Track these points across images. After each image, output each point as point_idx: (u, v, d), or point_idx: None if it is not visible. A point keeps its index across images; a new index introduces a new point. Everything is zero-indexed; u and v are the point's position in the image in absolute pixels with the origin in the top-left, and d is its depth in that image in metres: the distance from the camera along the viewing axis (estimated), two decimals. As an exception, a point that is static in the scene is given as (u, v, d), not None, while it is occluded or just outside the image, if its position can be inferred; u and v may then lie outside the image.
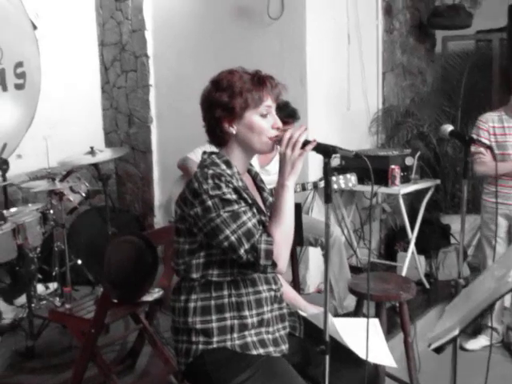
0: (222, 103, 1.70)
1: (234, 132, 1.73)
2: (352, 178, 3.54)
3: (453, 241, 4.59)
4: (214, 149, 1.85)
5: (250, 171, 1.93)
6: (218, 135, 1.76)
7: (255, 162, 3.58)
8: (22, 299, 3.63)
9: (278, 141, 1.73)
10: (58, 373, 3.09)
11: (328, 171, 1.67)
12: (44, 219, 3.55)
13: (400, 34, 5.04)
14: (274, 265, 1.63)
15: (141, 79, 5.28)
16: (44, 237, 3.62)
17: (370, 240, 4.12)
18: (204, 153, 1.81)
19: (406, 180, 4.10)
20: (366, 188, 4.08)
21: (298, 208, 3.14)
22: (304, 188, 3.49)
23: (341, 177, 3.55)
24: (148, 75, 5.21)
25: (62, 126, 5.03)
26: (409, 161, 4.12)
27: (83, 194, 3.81)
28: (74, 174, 3.98)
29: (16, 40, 4.62)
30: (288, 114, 3.43)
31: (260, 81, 1.75)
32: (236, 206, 1.63)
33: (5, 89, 4.56)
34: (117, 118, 5.58)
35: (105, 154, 3.69)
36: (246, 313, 1.72)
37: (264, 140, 1.74)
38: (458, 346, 2.02)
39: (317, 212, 4.23)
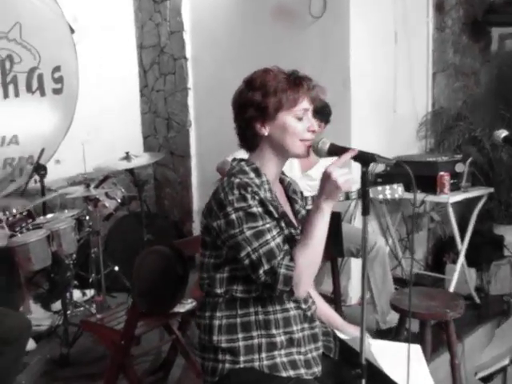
0: (255, 103, 1.68)
1: (266, 133, 1.70)
2: (399, 189, 3.45)
3: (506, 253, 4.44)
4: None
5: (282, 181, 1.88)
6: (249, 137, 1.73)
7: (297, 166, 3.54)
8: (59, 306, 3.68)
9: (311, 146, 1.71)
10: (91, 382, 3.12)
11: (366, 181, 1.62)
12: (80, 225, 3.60)
13: (452, 32, 4.90)
14: (292, 292, 1.59)
15: (179, 82, 5.32)
16: (80, 243, 3.67)
17: (412, 253, 4.04)
18: (234, 160, 1.79)
19: (455, 188, 4.00)
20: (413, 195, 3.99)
21: (338, 217, 3.09)
22: (348, 197, 3.43)
23: (387, 187, 3.47)
24: (186, 78, 5.25)
25: (100, 131, 5.12)
26: (459, 167, 4.00)
27: (119, 200, 3.85)
28: (111, 180, 4.02)
29: (54, 44, 4.72)
30: (323, 116, 3.40)
31: (296, 81, 1.72)
32: (260, 222, 1.60)
33: (43, 94, 4.67)
34: (155, 122, 5.63)
35: (140, 160, 3.71)
36: (274, 331, 1.67)
37: (297, 143, 1.71)
38: (507, 377, 1.91)
39: (359, 221, 4.15)
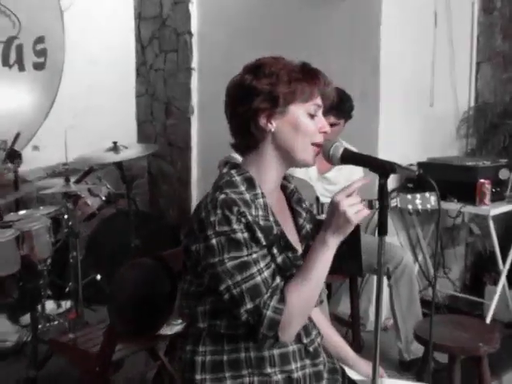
0: (264, 91, 1.64)
1: (273, 129, 1.67)
2: (431, 199, 3.42)
3: (557, 276, 4.41)
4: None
5: (284, 188, 1.86)
6: (249, 133, 1.69)
7: (313, 169, 3.53)
8: (29, 319, 3.68)
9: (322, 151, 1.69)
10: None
11: (384, 195, 1.59)
12: (56, 226, 3.59)
13: (501, 15, 4.84)
14: (276, 337, 1.56)
15: (182, 61, 5.32)
16: (56, 247, 3.66)
17: (435, 275, 4.05)
18: (225, 164, 1.75)
19: (498, 197, 3.97)
20: (450, 205, 3.98)
21: (357, 229, 3.06)
22: (371, 206, 3.41)
23: (417, 196, 3.43)
24: (191, 57, 5.25)
25: (87, 115, 5.12)
26: (504, 174, 3.98)
27: (103, 198, 3.84)
28: (95, 174, 4.01)
29: (37, 10, 4.71)
30: (345, 110, 3.39)
31: (311, 73, 1.70)
32: (245, 252, 1.55)
33: (22, 68, 4.67)
34: (152, 107, 5.63)
35: (130, 152, 3.71)
36: (269, 370, 1.64)
37: (308, 146, 1.69)
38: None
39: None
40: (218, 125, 1.87)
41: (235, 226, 1.55)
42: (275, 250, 1.63)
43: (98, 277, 4.10)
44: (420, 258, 4.41)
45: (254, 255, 1.57)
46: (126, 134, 5.18)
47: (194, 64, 5.26)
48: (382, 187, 1.59)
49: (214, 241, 1.56)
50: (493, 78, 4.86)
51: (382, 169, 1.60)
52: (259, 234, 1.59)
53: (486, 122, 4.63)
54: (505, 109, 4.67)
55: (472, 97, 4.77)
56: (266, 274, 1.57)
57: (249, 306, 1.54)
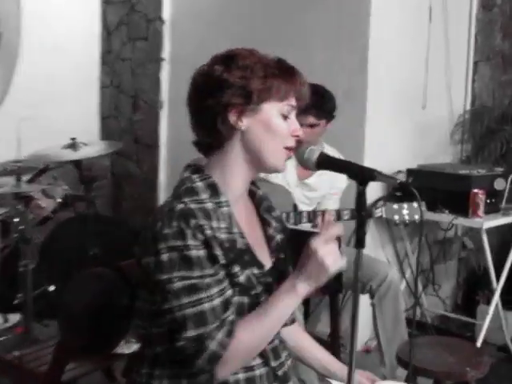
0: (236, 84, 1.63)
1: (243, 128, 1.66)
2: (421, 209, 3.47)
3: (554, 295, 4.46)
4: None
5: (252, 194, 1.86)
6: (215, 130, 1.67)
7: (293, 172, 3.54)
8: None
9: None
10: None
11: (362, 204, 1.62)
12: (5, 230, 3.57)
13: (502, 12, 4.91)
14: (211, 372, 1.56)
15: (152, 50, 5.32)
16: (4, 253, 3.64)
17: (416, 294, 4.08)
18: (188, 167, 1.74)
19: (493, 209, 4.02)
20: (441, 217, 4.04)
21: (337, 242, 3.08)
22: (339, 216, 3.42)
23: (404, 206, 3.48)
24: (162, 46, 5.26)
25: (45, 106, 5.08)
26: (499, 184, 4.02)
27: (59, 200, 3.82)
28: (50, 173, 4.00)
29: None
30: (326, 109, 3.39)
31: (289, 70, 1.70)
32: (197, 273, 1.54)
33: (-30, 52, 4.64)
34: (118, 100, 5.62)
35: (91, 149, 3.71)
36: None
37: (280, 150, 1.69)
38: None
39: (369, 245, 4.14)
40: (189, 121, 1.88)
41: (190, 242, 1.54)
42: (237, 268, 1.61)
43: (51, 288, 4.06)
44: (408, 274, 4.44)
45: (207, 279, 1.55)
46: (86, 130, 5.15)
47: (165, 54, 5.27)
48: (360, 195, 1.60)
49: (164, 256, 1.54)
50: (491, 79, 4.91)
51: (361, 175, 1.61)
52: (218, 252, 1.57)
53: (482, 126, 4.68)
54: (503, 113, 4.72)
55: (468, 99, 4.82)
56: (217, 301, 1.55)
57: (191, 333, 1.53)
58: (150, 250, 1.58)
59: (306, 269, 1.60)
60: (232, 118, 1.66)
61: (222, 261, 1.58)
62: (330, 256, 1.60)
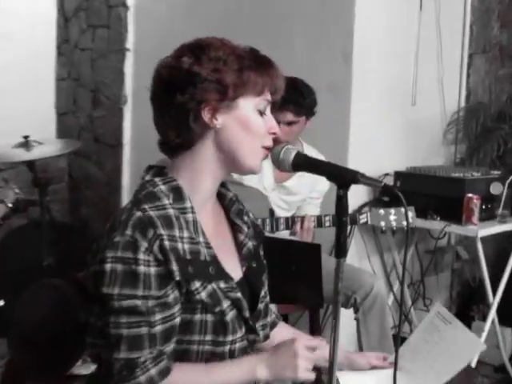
0: (209, 78, 1.63)
1: (218, 126, 1.66)
2: (409, 214, 3.50)
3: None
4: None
5: (222, 197, 1.86)
6: (186, 129, 1.66)
7: (269, 174, 3.55)
8: None
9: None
10: None
11: (342, 208, 1.63)
12: None
13: (500, 0, 4.97)
14: None
15: (114, 40, 5.33)
16: None
17: (402, 307, 4.13)
18: (149, 168, 1.75)
19: (489, 216, 4.04)
20: (432, 224, 4.05)
21: (317, 250, 3.09)
22: (320, 223, 3.44)
23: (391, 211, 3.51)
24: (125, 34, 5.26)
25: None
26: (496, 188, 4.04)
27: (10, 205, 3.80)
28: (0, 174, 3.99)
29: None
30: (305, 105, 3.40)
31: (264, 62, 1.70)
32: (140, 292, 1.53)
33: None
34: (76, 94, 5.61)
35: (46, 148, 3.69)
36: None
37: (256, 149, 1.70)
38: None
39: (353, 255, 4.18)
40: None
41: (140, 256, 1.53)
42: (197, 284, 1.61)
43: (1, 303, 4.06)
44: (396, 286, 4.47)
45: (151, 302, 1.55)
46: (41, 127, 5.13)
47: (129, 44, 5.28)
48: (340, 199, 1.61)
49: (108, 266, 1.54)
50: (487, 73, 4.95)
51: (341, 178, 1.62)
52: (174, 267, 1.57)
53: (477, 125, 4.71)
54: (500, 111, 4.76)
55: (462, 95, 4.85)
56: (158, 329, 1.56)
57: (123, 355, 1.54)
58: (98, 257, 1.58)
59: (275, 357, 1.68)
60: (206, 115, 1.65)
61: (178, 277, 1.58)
62: (305, 361, 1.67)
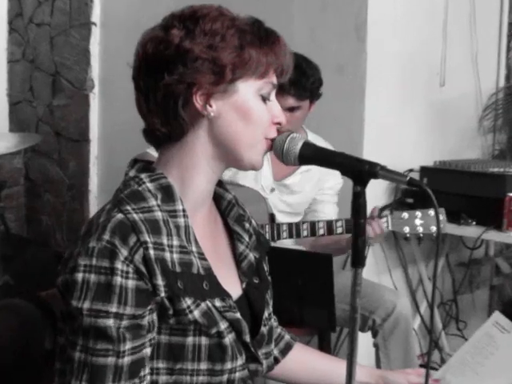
0: (202, 57, 1.61)
1: (212, 114, 1.66)
2: (440, 217, 3.49)
3: None
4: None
5: (219, 199, 1.88)
6: (175, 117, 1.66)
7: (267, 172, 3.56)
8: None
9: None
10: None
11: (360, 208, 1.63)
12: None
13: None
14: None
15: (77, 13, 5.35)
16: None
17: (432, 332, 4.14)
18: (134, 162, 1.75)
19: (537, 221, 4.03)
20: (466, 231, 4.06)
21: (328, 263, 3.11)
22: (330, 230, 3.44)
23: (417, 214, 3.49)
24: (90, 5, 5.28)
25: None
26: (544, 187, 4.06)
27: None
28: None
29: None
30: (309, 86, 3.40)
31: (271, 37, 1.70)
32: (114, 308, 1.54)
33: None
34: (33, 79, 5.63)
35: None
36: None
37: (258, 141, 1.71)
38: None
39: (371, 268, 4.19)
40: (131, 108, 1.82)
41: (118, 266, 1.54)
42: (189, 301, 1.62)
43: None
44: (423, 306, 4.49)
45: (124, 322, 1.55)
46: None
47: (95, 17, 5.29)
48: (358, 198, 1.61)
49: (79, 276, 1.55)
50: (532, 49, 4.98)
51: (358, 172, 1.62)
52: (159, 281, 1.58)
53: (520, 110, 4.73)
54: (547, 92, 4.79)
55: (501, 74, 4.87)
56: (126, 361, 1.57)
57: None
58: (69, 265, 1.58)
59: None
60: (198, 101, 1.64)
61: (163, 293, 1.58)
62: None
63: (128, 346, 1.56)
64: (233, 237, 1.87)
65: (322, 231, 3.40)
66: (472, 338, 2.16)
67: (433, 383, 2.03)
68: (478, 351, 2.07)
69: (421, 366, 3.75)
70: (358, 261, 1.63)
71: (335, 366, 2.05)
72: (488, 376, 2.01)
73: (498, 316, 2.14)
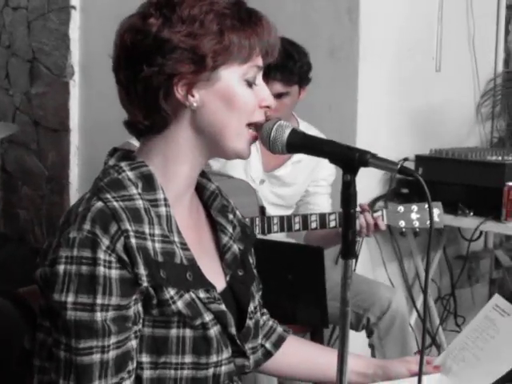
0: (181, 46, 1.63)
1: (195, 104, 1.67)
2: (434, 211, 3.49)
3: None
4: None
5: (202, 189, 1.89)
6: (156, 109, 1.67)
7: (256, 162, 3.57)
8: None
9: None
10: None
11: (350, 198, 1.64)
12: None
13: None
14: None
15: (56, -5, 5.34)
16: None
17: (425, 327, 4.13)
18: (114, 151, 1.76)
19: (537, 211, 4.04)
20: (463, 222, 4.07)
21: (319, 256, 3.11)
22: (323, 223, 3.44)
23: (413, 207, 3.49)
24: (70, -12, 5.27)
25: None
26: (545, 175, 4.07)
27: None
28: None
29: None
30: (296, 71, 3.40)
31: (253, 18, 1.70)
32: (99, 300, 1.55)
33: None
34: (9, 66, 5.62)
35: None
36: None
37: (243, 128, 1.71)
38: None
39: (366, 263, 4.20)
40: (113, 95, 1.81)
41: (100, 255, 1.55)
42: (172, 291, 1.63)
43: None
44: (420, 301, 4.50)
45: (110, 314, 1.57)
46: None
47: (75, 1, 5.27)
48: (348, 187, 1.61)
49: (60, 268, 1.55)
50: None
51: (348, 160, 1.63)
52: (141, 270, 1.59)
53: (520, 96, 4.73)
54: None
55: (500, 58, 4.87)
56: (111, 355, 1.59)
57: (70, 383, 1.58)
58: (49, 258, 1.59)
59: None
60: (179, 92, 1.66)
61: (146, 283, 1.59)
62: None
63: (113, 339, 1.57)
64: (216, 228, 1.88)
65: (314, 224, 3.41)
66: (472, 321, 2.17)
67: (433, 370, 2.06)
68: (478, 335, 2.09)
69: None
70: (349, 252, 1.63)
71: (331, 357, 1.97)
72: (489, 360, 2.03)
73: (497, 299, 2.14)
